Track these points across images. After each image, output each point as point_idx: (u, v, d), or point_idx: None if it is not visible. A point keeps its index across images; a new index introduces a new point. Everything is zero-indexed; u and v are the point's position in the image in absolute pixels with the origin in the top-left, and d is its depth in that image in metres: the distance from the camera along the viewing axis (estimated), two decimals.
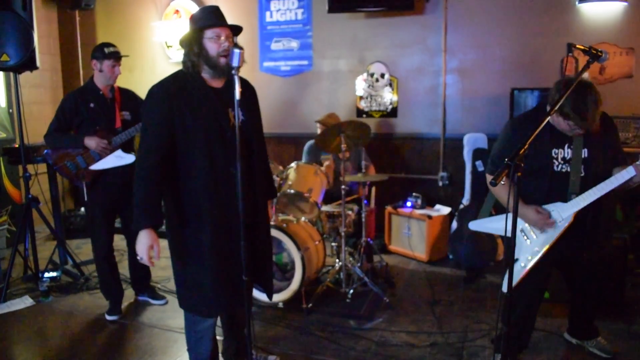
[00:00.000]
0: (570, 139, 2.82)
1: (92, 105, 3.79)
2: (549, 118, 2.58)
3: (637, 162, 2.64)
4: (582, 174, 2.80)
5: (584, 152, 2.80)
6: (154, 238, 2.50)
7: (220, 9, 2.60)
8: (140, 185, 2.50)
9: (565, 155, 2.82)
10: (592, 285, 3.13)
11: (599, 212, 2.86)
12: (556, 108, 2.45)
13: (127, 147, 3.86)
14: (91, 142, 3.73)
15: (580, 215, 2.78)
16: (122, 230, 4.16)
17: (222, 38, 2.51)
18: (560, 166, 2.83)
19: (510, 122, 3.02)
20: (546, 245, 2.83)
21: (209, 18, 2.54)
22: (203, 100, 2.52)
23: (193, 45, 2.54)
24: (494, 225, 3.10)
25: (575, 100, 2.59)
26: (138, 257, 2.51)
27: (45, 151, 3.99)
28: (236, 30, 2.64)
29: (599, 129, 2.82)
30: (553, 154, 2.83)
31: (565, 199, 2.81)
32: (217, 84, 2.61)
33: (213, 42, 2.51)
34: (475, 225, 3.20)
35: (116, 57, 3.80)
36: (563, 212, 2.80)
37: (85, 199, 3.90)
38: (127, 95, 3.99)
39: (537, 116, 2.83)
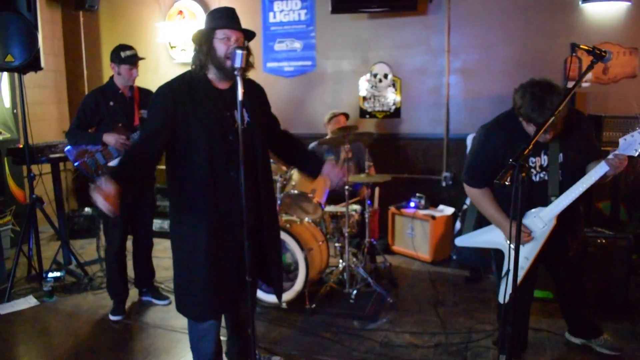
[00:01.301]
0: (547, 145, 2.82)
1: (111, 103, 3.90)
2: (524, 126, 2.68)
3: (609, 156, 2.64)
4: (560, 179, 2.82)
5: (560, 157, 2.82)
6: (113, 189, 2.34)
7: (235, 11, 2.60)
8: (121, 163, 2.66)
9: (543, 162, 2.84)
10: (578, 278, 3.14)
11: (574, 206, 2.86)
12: (543, 129, 2.42)
13: None
14: (110, 138, 3.82)
15: (560, 215, 2.80)
16: (130, 229, 4.17)
17: (232, 40, 2.51)
18: (537, 175, 2.85)
19: (482, 130, 2.99)
20: (534, 252, 2.86)
21: (222, 19, 2.54)
22: (207, 102, 2.53)
23: (203, 43, 2.54)
24: (481, 238, 3.09)
25: (533, 104, 2.61)
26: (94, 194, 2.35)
27: (66, 149, 4.04)
28: (249, 35, 2.64)
29: (573, 130, 2.81)
30: (530, 163, 2.84)
31: (545, 204, 2.82)
32: (224, 85, 2.61)
33: (222, 43, 2.51)
34: (461, 241, 3.18)
35: (132, 61, 3.88)
36: (545, 217, 2.81)
37: None
38: (146, 95, 4.07)
39: (508, 121, 2.85)
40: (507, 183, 2.13)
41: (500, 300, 2.88)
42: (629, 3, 4.76)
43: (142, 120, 3.94)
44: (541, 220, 2.82)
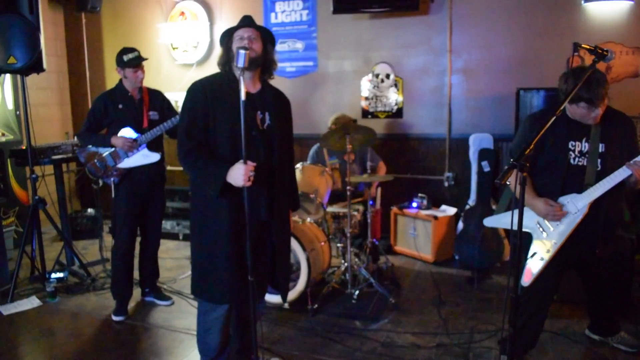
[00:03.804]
0: (588, 133, 2.87)
1: (120, 106, 3.93)
2: (566, 111, 2.78)
3: (631, 162, 2.70)
4: (599, 168, 2.84)
5: (601, 147, 2.85)
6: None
7: (252, 17, 2.75)
8: (190, 166, 2.65)
9: (583, 148, 2.87)
10: (606, 281, 3.13)
11: (610, 206, 2.89)
12: (568, 99, 2.49)
13: (153, 146, 3.95)
14: (117, 141, 3.86)
15: (593, 210, 2.82)
16: (139, 224, 4.14)
17: (245, 38, 2.65)
18: (577, 159, 2.88)
19: (528, 117, 3.10)
20: (563, 238, 2.85)
21: (238, 24, 2.71)
22: (235, 102, 2.59)
23: (224, 51, 2.73)
24: (508, 220, 3.11)
25: (579, 81, 2.64)
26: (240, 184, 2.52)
27: (77, 150, 4.14)
28: (265, 34, 2.80)
29: (617, 126, 2.88)
30: (570, 146, 2.88)
31: (580, 191, 2.84)
32: (252, 88, 2.75)
33: (238, 44, 2.65)
34: (489, 222, 3.24)
35: (135, 64, 3.89)
36: (578, 203, 2.83)
37: (113, 195, 4.01)
38: (155, 96, 4.10)
39: (552, 110, 2.88)
40: (508, 182, 2.14)
41: (525, 283, 2.90)
42: (631, 2, 4.74)
43: (151, 122, 3.97)
44: (574, 206, 2.84)
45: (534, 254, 2.91)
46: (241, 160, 2.49)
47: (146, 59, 4.00)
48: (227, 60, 2.71)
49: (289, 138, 2.96)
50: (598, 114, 2.79)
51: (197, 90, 2.68)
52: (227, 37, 2.72)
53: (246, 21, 2.71)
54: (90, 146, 4.02)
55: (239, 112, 2.55)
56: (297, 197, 3.19)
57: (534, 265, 2.89)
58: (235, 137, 2.59)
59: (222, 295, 2.73)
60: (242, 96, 2.38)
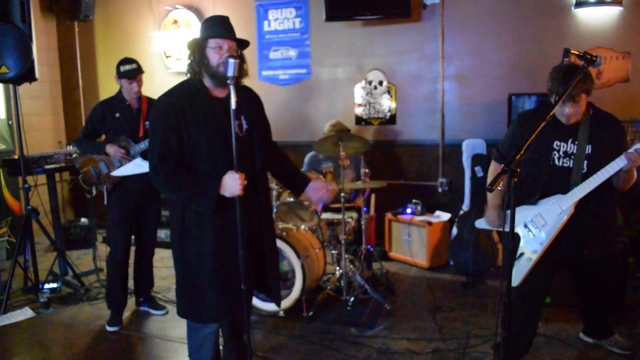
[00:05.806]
0: (575, 134, 2.86)
1: (117, 115, 3.95)
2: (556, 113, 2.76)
3: (629, 150, 2.70)
4: (585, 170, 2.84)
5: (588, 148, 2.85)
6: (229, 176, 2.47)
7: (229, 20, 2.62)
8: (175, 188, 2.55)
9: (568, 149, 2.88)
10: (598, 285, 3.15)
11: (600, 209, 2.90)
12: (562, 99, 2.52)
13: (147, 156, 3.92)
14: (110, 149, 3.88)
15: (580, 210, 2.82)
16: (135, 233, 4.14)
17: (224, 49, 2.53)
18: (561, 160, 2.88)
19: (518, 116, 3.12)
20: (549, 238, 2.86)
21: (215, 28, 2.56)
22: (207, 110, 2.55)
23: (196, 52, 2.57)
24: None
25: (555, 75, 2.75)
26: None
27: (73, 156, 4.19)
28: (243, 43, 2.67)
29: (605, 127, 2.89)
30: (555, 146, 2.89)
31: (565, 192, 2.85)
32: (221, 93, 2.63)
33: (215, 52, 2.53)
34: (480, 223, 3.27)
35: (130, 76, 3.89)
36: (563, 204, 2.84)
37: (105, 202, 4.01)
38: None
39: (542, 111, 2.90)
40: (499, 189, 2.15)
41: (513, 283, 2.86)
42: (621, 8, 4.79)
43: (147, 132, 3.94)
44: (559, 207, 2.85)
45: (521, 254, 2.93)
46: (231, 170, 2.44)
47: (143, 72, 4.00)
48: (199, 66, 2.55)
49: (268, 134, 2.88)
50: (568, 113, 2.80)
51: (166, 108, 2.53)
52: (202, 41, 2.55)
53: (227, 30, 2.57)
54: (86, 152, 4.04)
55: (214, 123, 2.52)
56: (302, 174, 3.07)
57: (522, 265, 2.90)
58: (214, 150, 2.53)
59: (209, 315, 2.67)
60: (233, 104, 2.32)
